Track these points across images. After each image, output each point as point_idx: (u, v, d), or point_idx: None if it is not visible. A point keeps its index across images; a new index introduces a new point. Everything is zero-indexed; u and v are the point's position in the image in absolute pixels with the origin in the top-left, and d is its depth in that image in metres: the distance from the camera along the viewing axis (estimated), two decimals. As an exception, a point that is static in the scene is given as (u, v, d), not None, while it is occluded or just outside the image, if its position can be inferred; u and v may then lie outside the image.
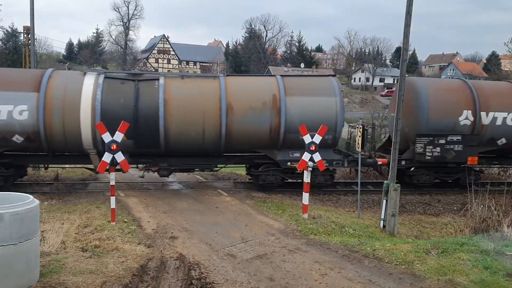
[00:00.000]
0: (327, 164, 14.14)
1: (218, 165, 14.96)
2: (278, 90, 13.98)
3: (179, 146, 13.76)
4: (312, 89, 14.46)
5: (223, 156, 14.75)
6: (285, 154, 14.20)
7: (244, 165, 16.01)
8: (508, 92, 15.92)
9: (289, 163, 14.15)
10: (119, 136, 10.20)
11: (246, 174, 16.14)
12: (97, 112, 12.89)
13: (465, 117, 15.10)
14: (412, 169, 15.69)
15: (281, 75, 15.04)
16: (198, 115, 13.43)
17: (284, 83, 14.20)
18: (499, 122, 15.34)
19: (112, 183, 10.22)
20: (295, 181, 14.85)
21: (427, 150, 14.92)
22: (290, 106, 13.88)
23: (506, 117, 15.37)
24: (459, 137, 14.98)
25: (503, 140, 15.53)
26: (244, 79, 16.93)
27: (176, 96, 13.53)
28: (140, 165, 14.38)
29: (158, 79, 13.75)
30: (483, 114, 15.15)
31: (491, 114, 15.27)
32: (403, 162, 15.22)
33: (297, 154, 13.82)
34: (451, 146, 15.00)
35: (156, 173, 14.49)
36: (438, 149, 14.92)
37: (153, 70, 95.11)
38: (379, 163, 15.27)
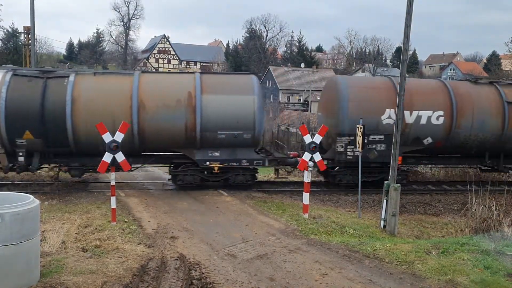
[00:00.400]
0: (247, 164, 14.13)
1: (136, 165, 14.49)
2: (194, 87, 13.71)
3: (90, 146, 13.25)
4: (230, 87, 14.24)
5: (142, 156, 14.54)
6: (204, 153, 13.99)
7: (165, 165, 15.65)
8: (434, 91, 15.47)
9: (208, 163, 13.96)
10: (119, 136, 10.21)
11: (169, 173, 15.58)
12: (1, 110, 12.77)
13: (388, 116, 14.68)
14: (336, 168, 15.36)
15: (200, 73, 14.82)
16: (108, 113, 13.04)
17: (201, 81, 13.95)
18: (423, 121, 14.90)
19: (113, 183, 10.23)
20: (215, 181, 14.67)
21: (348, 149, 14.59)
22: (207, 104, 13.62)
23: (431, 116, 14.92)
24: (382, 137, 14.57)
25: (429, 140, 15.09)
26: (161, 76, 16.59)
27: (86, 93, 13.28)
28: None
29: (68, 76, 13.51)
30: (406, 113, 14.64)
31: (415, 113, 14.83)
32: (325, 162, 14.71)
33: (216, 154, 13.77)
34: (374, 146, 14.65)
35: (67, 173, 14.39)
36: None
37: (153, 70, 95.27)
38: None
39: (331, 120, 15.07)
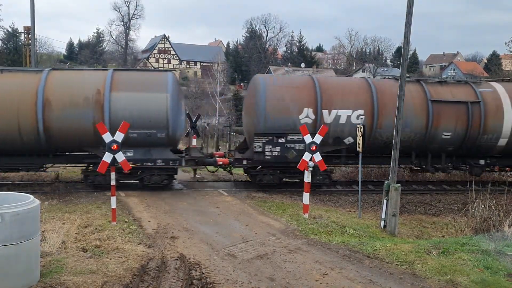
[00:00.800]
0: (163, 164, 13.84)
1: (46, 165, 14.44)
2: (103, 85, 13.37)
3: None
4: (142, 85, 13.85)
5: (53, 156, 14.24)
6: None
7: (78, 165, 15.34)
8: (355, 90, 15.06)
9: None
10: (119, 136, 10.21)
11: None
12: None
13: (306, 115, 14.33)
14: (258, 168, 15.02)
15: (114, 69, 14.41)
16: (12, 112, 12.89)
17: (112, 78, 13.58)
18: (343, 120, 14.48)
19: (113, 183, 10.23)
20: (129, 181, 14.30)
21: (266, 149, 14.19)
22: (116, 102, 13.28)
23: (350, 115, 14.49)
24: (300, 136, 13.95)
25: (351, 139, 14.62)
26: (72, 73, 15.76)
27: None
28: None
29: None
30: (325, 112, 14.34)
31: (333, 112, 14.44)
32: (244, 162, 14.74)
33: (130, 153, 13.37)
34: (292, 146, 14.21)
35: None
36: (278, 148, 14.17)
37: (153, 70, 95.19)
38: (220, 162, 14.81)
39: (251, 119, 14.85)
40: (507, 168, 16.88)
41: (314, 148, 11.49)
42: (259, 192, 14.66)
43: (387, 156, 15.53)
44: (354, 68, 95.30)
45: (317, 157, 11.55)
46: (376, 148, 15.09)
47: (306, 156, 11.52)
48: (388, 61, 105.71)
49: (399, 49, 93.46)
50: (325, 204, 14.05)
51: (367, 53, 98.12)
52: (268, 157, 14.28)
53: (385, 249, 8.51)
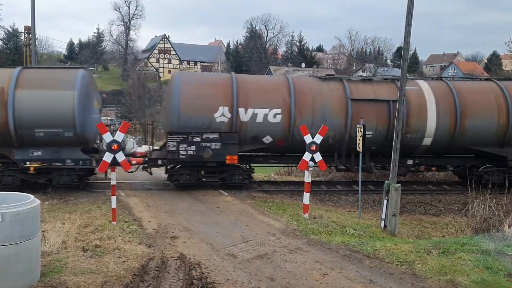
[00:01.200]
0: (72, 164, 13.61)
1: None
2: (8, 82, 13.03)
3: None
4: (49, 82, 13.47)
5: None
6: (24, 153, 13.41)
7: None
8: (273, 88, 14.70)
9: (28, 163, 13.36)
10: (120, 136, 10.21)
11: None
12: None
13: (221, 114, 13.98)
14: (177, 167, 14.64)
15: (23, 67, 14.15)
16: None
17: (19, 76, 13.29)
18: (259, 119, 14.12)
19: (113, 182, 10.23)
20: (38, 182, 13.90)
21: (180, 148, 13.79)
22: (21, 100, 12.97)
23: (267, 114, 14.14)
24: (216, 135, 13.81)
25: (269, 138, 14.30)
26: None
27: None
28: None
29: None
30: (241, 110, 14.01)
31: (250, 111, 14.08)
32: (159, 161, 14.44)
33: (38, 153, 13.21)
34: (208, 145, 13.87)
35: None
36: (193, 147, 13.80)
37: (154, 70, 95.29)
38: (134, 162, 14.25)
39: (166, 117, 14.64)
40: (433, 168, 16.24)
41: (314, 148, 11.47)
42: (259, 192, 14.66)
43: None
44: (354, 68, 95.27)
45: (317, 157, 11.54)
46: (296, 147, 14.42)
47: (306, 156, 11.51)
48: (389, 61, 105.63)
49: (399, 49, 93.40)
50: (325, 204, 14.05)
51: (368, 53, 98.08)
52: (183, 157, 13.87)
53: (385, 249, 8.51)
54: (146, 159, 14.57)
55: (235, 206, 12.57)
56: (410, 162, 15.61)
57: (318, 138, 11.55)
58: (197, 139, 13.84)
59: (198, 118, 13.85)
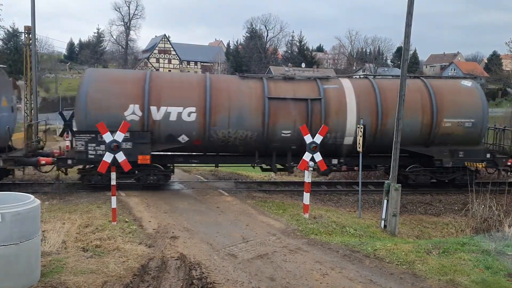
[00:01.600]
0: None
1: None
2: None
3: None
4: None
5: None
6: None
7: None
8: (188, 86, 14.34)
9: None
10: (120, 136, 10.21)
11: None
12: None
13: (132, 112, 13.57)
14: (90, 167, 14.22)
15: None
16: None
17: None
18: (173, 117, 13.75)
19: (113, 182, 10.23)
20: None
21: (89, 148, 13.22)
22: None
23: (181, 112, 13.78)
24: (128, 134, 13.07)
25: (185, 137, 13.95)
26: None
27: None
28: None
29: None
30: (153, 108, 13.63)
31: (163, 109, 13.70)
32: (69, 161, 13.96)
33: None
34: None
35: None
36: (102, 147, 12.99)
37: (154, 70, 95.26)
38: (43, 162, 14.01)
39: (75, 116, 14.15)
40: (355, 168, 15.58)
41: (314, 147, 11.47)
42: (260, 192, 14.67)
43: (228, 155, 15.16)
44: (354, 68, 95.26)
45: (317, 157, 11.53)
46: (217, 146, 14.37)
47: (306, 156, 11.50)
48: (389, 61, 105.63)
49: (399, 49, 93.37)
50: (326, 204, 14.05)
51: (368, 53, 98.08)
52: (92, 156, 13.31)
53: (386, 249, 8.51)
54: (56, 159, 14.15)
55: (235, 206, 12.58)
56: (335, 161, 15.21)
57: (318, 138, 11.55)
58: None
59: (107, 117, 13.02)
